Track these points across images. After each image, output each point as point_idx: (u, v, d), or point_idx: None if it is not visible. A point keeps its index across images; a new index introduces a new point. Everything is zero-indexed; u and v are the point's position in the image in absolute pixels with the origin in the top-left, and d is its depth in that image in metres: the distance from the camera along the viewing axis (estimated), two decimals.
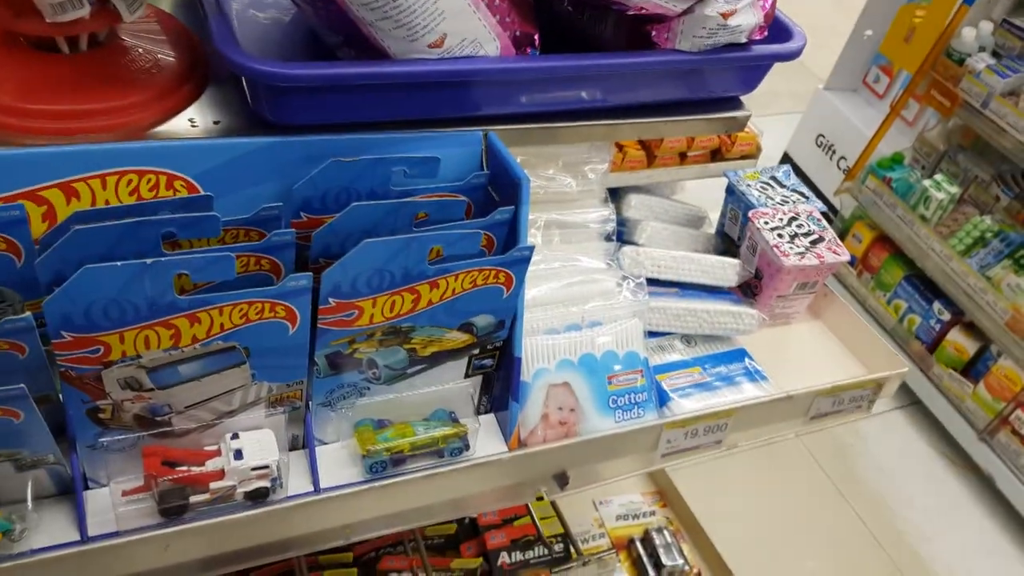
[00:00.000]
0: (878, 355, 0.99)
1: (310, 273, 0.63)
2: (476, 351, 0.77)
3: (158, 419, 0.68)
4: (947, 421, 2.28)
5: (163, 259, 0.57)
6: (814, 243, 0.98)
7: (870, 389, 0.94)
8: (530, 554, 1.29)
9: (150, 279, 0.57)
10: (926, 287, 2.36)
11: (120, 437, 0.67)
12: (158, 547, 0.67)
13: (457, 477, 0.76)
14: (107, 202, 0.66)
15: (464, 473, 0.76)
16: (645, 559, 1.39)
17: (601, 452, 0.82)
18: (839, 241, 0.99)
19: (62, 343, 0.58)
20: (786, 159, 2.99)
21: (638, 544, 1.42)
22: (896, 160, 2.48)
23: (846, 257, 0.98)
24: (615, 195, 1.08)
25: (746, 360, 0.94)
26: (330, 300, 0.65)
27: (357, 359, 0.72)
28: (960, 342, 2.26)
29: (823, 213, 1.03)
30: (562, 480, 0.82)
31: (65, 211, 0.65)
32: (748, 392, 0.90)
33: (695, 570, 1.41)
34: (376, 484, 0.73)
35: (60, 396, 0.65)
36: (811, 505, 2.15)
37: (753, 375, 0.92)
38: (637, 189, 1.12)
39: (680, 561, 1.38)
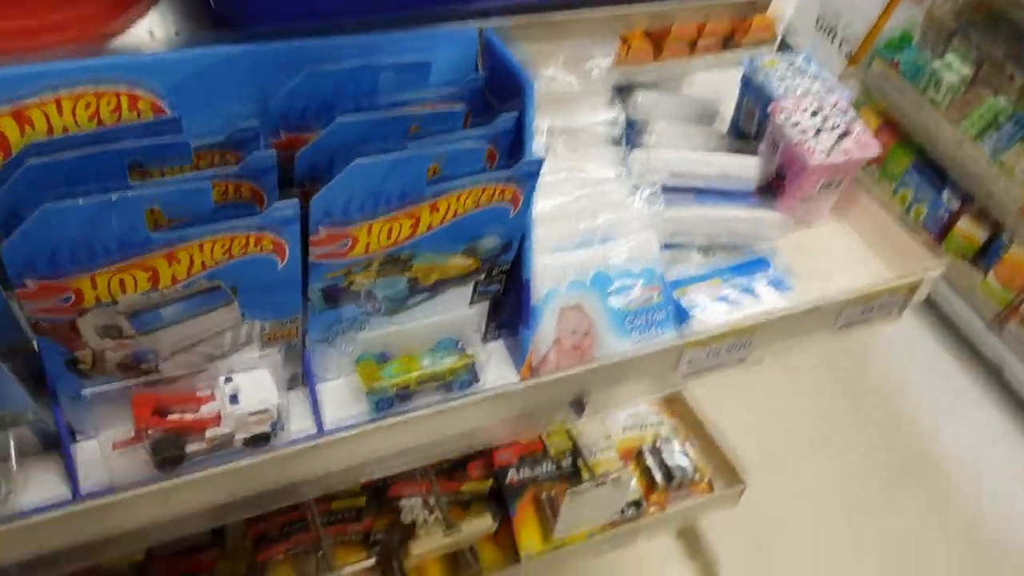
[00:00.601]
0: (908, 256, 0.93)
1: (296, 200, 0.57)
2: (482, 276, 0.71)
3: (143, 366, 0.62)
4: (955, 313, 2.25)
5: (130, 193, 0.50)
6: (841, 137, 0.90)
7: (902, 294, 0.89)
8: (539, 470, 1.26)
9: (117, 216, 0.51)
10: (935, 174, 2.29)
11: (104, 388, 0.62)
12: (158, 500, 0.63)
13: (467, 411, 0.72)
14: (65, 129, 0.59)
15: (475, 406, 0.72)
16: (654, 468, 1.37)
17: (619, 376, 0.78)
18: (868, 133, 0.91)
19: (27, 292, 0.52)
20: (784, 45, 2.86)
21: (646, 453, 1.39)
22: (904, 40, 2.36)
23: (875, 151, 0.91)
24: (619, 94, 1.00)
25: (769, 269, 0.89)
26: (320, 230, 0.59)
27: (355, 291, 0.66)
28: (969, 231, 2.20)
29: None
30: (578, 407, 0.77)
31: (20, 142, 0.58)
32: (772, 304, 0.85)
33: (705, 476, 1.39)
34: (383, 423, 0.68)
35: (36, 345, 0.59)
36: (818, 404, 2.14)
37: (777, 285, 0.87)
38: (643, 85, 1.03)
39: (690, 468, 1.36)
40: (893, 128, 2.36)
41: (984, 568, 1.90)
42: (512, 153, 0.68)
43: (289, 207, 0.56)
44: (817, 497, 1.94)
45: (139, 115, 0.60)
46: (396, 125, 0.61)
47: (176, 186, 0.52)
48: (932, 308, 2.32)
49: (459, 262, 0.68)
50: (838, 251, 0.96)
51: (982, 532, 1.95)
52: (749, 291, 0.86)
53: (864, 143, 0.91)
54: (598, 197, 0.80)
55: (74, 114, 0.59)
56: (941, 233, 2.26)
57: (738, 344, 0.81)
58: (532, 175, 0.63)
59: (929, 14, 2.31)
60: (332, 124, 0.58)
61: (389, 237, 0.62)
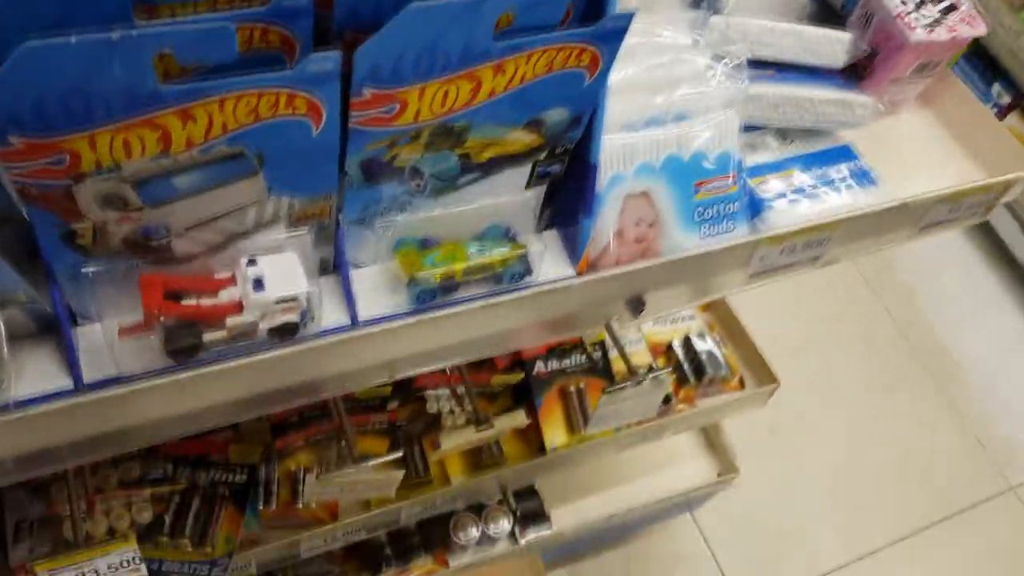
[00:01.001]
0: (1001, 151, 0.83)
1: (337, 51, 0.46)
2: (543, 155, 0.61)
3: (153, 243, 0.54)
4: (991, 214, 2.16)
5: (135, 31, 0.40)
6: (946, 12, 0.79)
7: (995, 193, 0.79)
8: (567, 362, 1.21)
9: (120, 60, 0.40)
10: (986, 67, 2.14)
11: (108, 266, 0.53)
12: (171, 393, 0.56)
13: (518, 305, 0.63)
14: None
15: (527, 301, 0.64)
16: (685, 365, 1.32)
17: (683, 274, 0.69)
18: (976, 9, 0.79)
19: (10, 150, 0.43)
20: None
21: (677, 348, 1.33)
22: None
23: (983, 29, 0.79)
24: None
25: (853, 160, 0.79)
26: (364, 91, 0.49)
27: (398, 167, 0.56)
28: (1020, 127, 2.08)
29: None
30: (637, 307, 0.69)
31: None
32: (854, 198, 0.76)
33: (736, 374, 1.34)
34: (425, 316, 0.60)
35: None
36: (842, 298, 2.08)
37: (860, 177, 0.77)
38: None
39: (723, 365, 1.31)
40: None
41: (993, 467, 1.89)
42: (587, 11, 0.57)
43: (329, 60, 0.46)
44: (834, 389, 1.92)
45: None
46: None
47: (192, 26, 0.42)
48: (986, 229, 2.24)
49: (520, 137, 0.58)
50: (924, 142, 0.86)
51: (994, 431, 1.94)
52: (830, 183, 0.76)
53: (971, 19, 0.80)
54: (675, 67, 0.69)
55: None
56: None
57: (815, 242, 0.72)
58: (618, 34, 0.52)
59: None
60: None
61: (444, 104, 0.52)
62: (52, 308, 0.55)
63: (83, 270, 0.53)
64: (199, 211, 0.53)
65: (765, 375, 1.32)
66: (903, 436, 1.89)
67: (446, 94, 0.52)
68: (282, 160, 0.51)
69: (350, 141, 0.52)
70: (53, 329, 0.56)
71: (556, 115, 0.58)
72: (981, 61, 2.16)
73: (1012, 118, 2.09)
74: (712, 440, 1.48)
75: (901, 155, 0.83)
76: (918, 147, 0.85)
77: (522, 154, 0.61)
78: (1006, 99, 2.11)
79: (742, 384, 1.32)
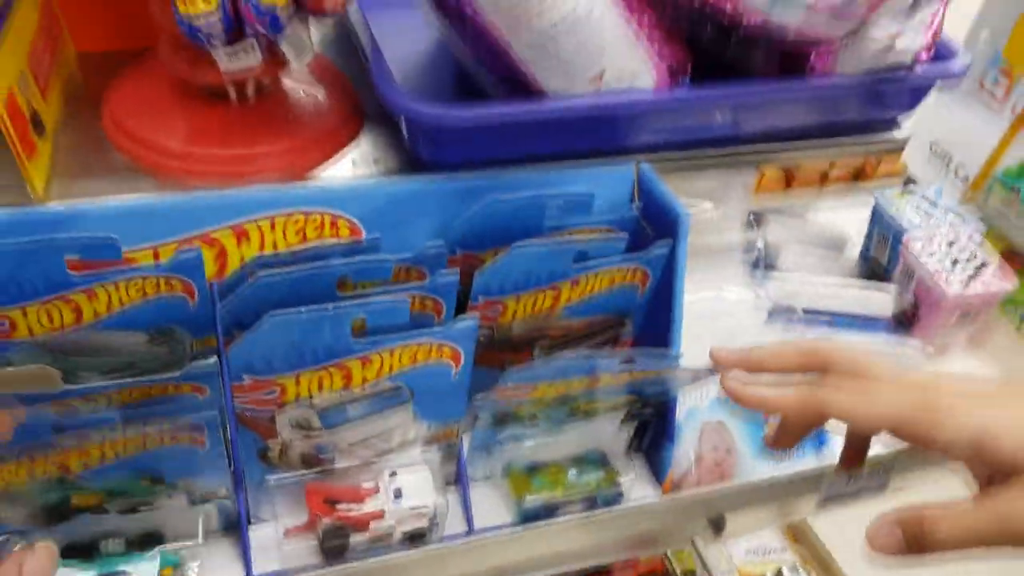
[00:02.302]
0: None
1: (477, 315, 0.63)
2: (638, 405, 0.75)
3: (322, 457, 0.68)
4: None
5: (343, 304, 0.57)
6: (978, 269, 0.92)
7: None
8: None
9: (330, 324, 0.58)
10: None
11: (287, 475, 0.68)
12: None
13: (610, 522, 0.74)
14: (275, 243, 0.67)
15: (617, 519, 0.74)
16: None
17: (761, 497, 0.79)
18: (1006, 266, 0.92)
19: (242, 386, 0.60)
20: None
21: None
22: None
23: (1013, 284, 0.91)
24: (753, 219, 1.04)
25: None
26: (509, 383, 0.64)
27: (520, 416, 0.71)
28: None
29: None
30: (718, 526, 0.79)
31: (236, 253, 0.67)
32: None
33: None
34: (530, 529, 0.72)
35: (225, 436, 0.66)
36: None
37: None
38: (775, 210, 1.08)
39: None
40: (1016, 257, 2.31)
41: None
42: (663, 279, 0.73)
43: (470, 319, 0.62)
44: None
45: (337, 231, 0.68)
46: (566, 251, 0.67)
47: (381, 300, 0.59)
48: None
49: (622, 400, 0.72)
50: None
51: None
52: None
53: (1002, 276, 0.92)
54: (735, 320, 0.84)
55: (284, 231, 0.67)
56: None
57: (879, 471, 0.81)
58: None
59: None
60: (509, 250, 0.65)
61: (565, 389, 0.67)
62: (236, 509, 0.69)
63: (267, 478, 0.68)
64: (360, 433, 0.68)
65: None
66: None
67: (568, 385, 0.67)
68: (427, 394, 0.66)
69: (485, 401, 0.67)
70: (232, 527, 0.70)
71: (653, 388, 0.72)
72: None
73: None
74: None
75: None
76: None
77: (619, 406, 0.74)
78: None
79: None
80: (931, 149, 3.01)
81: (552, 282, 0.67)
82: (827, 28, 0.71)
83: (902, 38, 0.74)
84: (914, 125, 2.98)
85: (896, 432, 0.47)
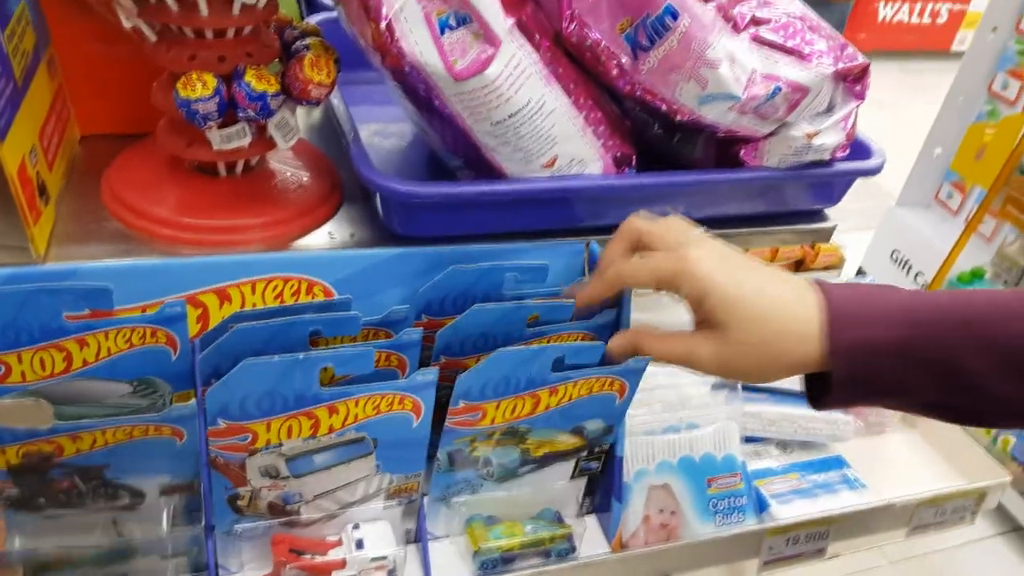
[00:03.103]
0: (978, 465, 0.98)
1: (436, 369, 0.69)
2: (584, 453, 0.80)
3: (288, 507, 0.73)
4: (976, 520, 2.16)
5: (313, 353, 0.63)
6: None
7: (972, 499, 0.93)
8: None
9: (300, 372, 0.63)
10: None
11: (254, 524, 0.72)
12: None
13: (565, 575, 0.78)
14: (254, 305, 0.74)
15: (570, 573, 0.78)
16: None
17: (704, 557, 0.83)
18: None
19: (217, 430, 0.64)
20: (861, 274, 2.99)
21: None
22: (976, 275, 2.46)
23: None
24: None
25: (844, 467, 0.95)
26: (460, 402, 0.70)
27: (475, 457, 0.76)
28: None
29: None
30: None
31: (218, 314, 0.73)
32: (847, 500, 0.91)
33: None
34: None
35: (200, 484, 0.70)
36: None
37: (852, 483, 0.93)
38: None
39: None
40: None
41: None
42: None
43: (430, 373, 0.68)
44: None
45: (313, 296, 0.75)
46: (519, 314, 0.73)
47: (348, 351, 0.65)
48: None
49: (567, 440, 0.78)
50: (909, 457, 1.02)
51: None
52: (826, 487, 0.92)
53: None
54: (682, 390, 0.90)
55: (263, 294, 0.74)
56: None
57: (816, 535, 0.86)
58: (640, 371, 0.74)
59: (999, 252, 2.42)
60: (468, 311, 0.71)
61: (512, 413, 0.73)
62: (205, 558, 0.72)
63: (236, 527, 0.71)
64: (326, 483, 0.72)
65: None
66: None
67: (515, 407, 0.73)
68: (390, 445, 0.71)
69: (443, 436, 0.73)
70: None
71: (594, 424, 0.78)
72: None
73: None
74: None
75: (888, 467, 0.98)
76: (903, 460, 1.01)
77: (568, 452, 0.80)
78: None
79: None
80: (891, 256, 3.17)
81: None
82: (752, 126, 0.81)
83: (819, 136, 0.84)
84: (875, 236, 3.09)
85: (657, 286, 0.64)
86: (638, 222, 0.69)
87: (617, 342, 0.71)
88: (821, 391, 0.61)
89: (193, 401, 0.63)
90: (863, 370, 0.58)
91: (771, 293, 0.61)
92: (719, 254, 0.64)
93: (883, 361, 0.57)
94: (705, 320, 0.62)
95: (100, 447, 0.65)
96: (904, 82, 4.93)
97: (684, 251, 0.63)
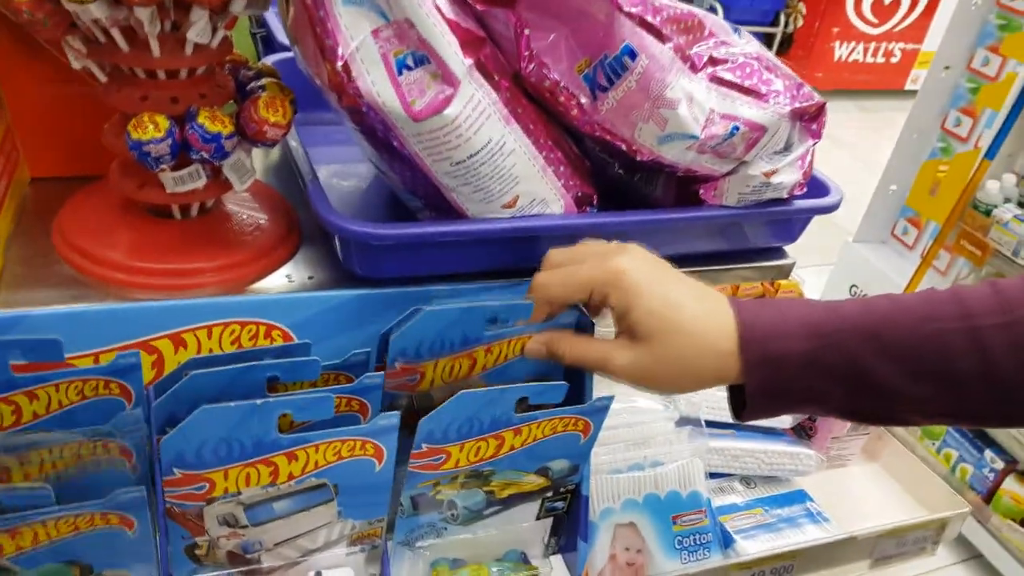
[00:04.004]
0: (938, 497, 0.99)
1: (398, 413, 0.68)
2: (550, 494, 0.79)
3: (248, 556, 0.71)
4: (1010, 575, 2.18)
5: (271, 399, 0.62)
6: None
7: (933, 530, 0.94)
8: None
9: (258, 419, 0.62)
10: (976, 434, 2.33)
11: (213, 574, 0.69)
12: None
13: None
14: (211, 350, 0.72)
15: None
16: None
17: None
18: None
19: (173, 479, 0.63)
20: None
21: None
22: None
23: None
24: None
25: (807, 502, 0.95)
26: (423, 446, 0.69)
27: (439, 500, 0.75)
28: (1016, 491, 2.20)
29: None
30: None
31: (173, 360, 0.71)
32: (811, 534, 0.91)
33: None
34: None
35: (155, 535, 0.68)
36: None
37: (815, 517, 0.93)
38: None
39: None
40: None
41: None
42: (575, 384, 0.79)
43: (392, 417, 0.67)
44: None
45: (271, 340, 0.74)
46: (477, 314, 0.74)
47: (306, 396, 0.64)
48: (987, 569, 2.26)
49: (532, 480, 0.77)
50: (871, 489, 1.03)
51: None
52: (790, 521, 0.92)
53: None
54: (648, 426, 0.90)
55: (220, 339, 0.72)
56: (989, 493, 2.26)
57: (780, 569, 0.86)
58: (603, 410, 0.74)
59: (954, 285, 2.48)
60: (419, 315, 0.71)
61: (477, 455, 0.72)
62: None
63: None
64: (286, 531, 0.70)
65: None
66: None
67: (479, 448, 0.72)
68: (352, 491, 0.70)
69: (407, 480, 0.72)
70: None
71: (559, 464, 0.78)
72: (971, 430, 2.35)
73: (1009, 481, 2.22)
74: None
75: (851, 500, 0.99)
76: (866, 493, 1.02)
77: (534, 492, 0.79)
78: (999, 464, 2.25)
79: None
80: (850, 291, 3.23)
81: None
82: (711, 165, 0.82)
83: (777, 175, 0.85)
84: (834, 271, 3.16)
85: (589, 297, 0.65)
86: (556, 251, 0.70)
87: (532, 344, 0.71)
88: (742, 403, 0.63)
89: (155, 439, 0.61)
90: (775, 382, 0.60)
91: (692, 309, 0.62)
92: (648, 265, 0.65)
93: (793, 372, 0.59)
94: (628, 330, 0.63)
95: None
96: (860, 120, 5.08)
97: (614, 261, 0.64)
